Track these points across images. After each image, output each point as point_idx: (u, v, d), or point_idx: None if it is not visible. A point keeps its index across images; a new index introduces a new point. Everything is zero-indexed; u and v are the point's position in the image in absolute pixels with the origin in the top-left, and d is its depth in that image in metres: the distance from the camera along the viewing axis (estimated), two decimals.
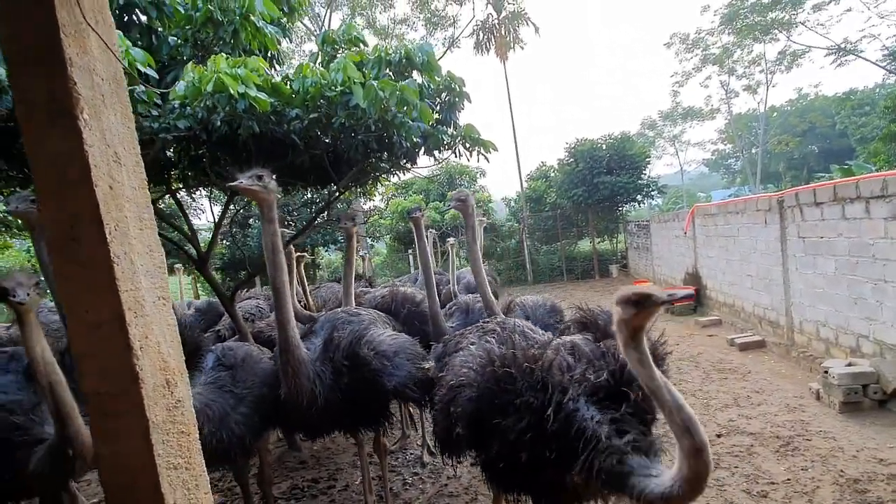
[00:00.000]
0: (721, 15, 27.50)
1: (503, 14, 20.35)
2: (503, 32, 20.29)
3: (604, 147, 17.40)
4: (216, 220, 4.91)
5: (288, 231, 5.72)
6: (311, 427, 3.16)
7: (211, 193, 5.95)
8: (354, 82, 3.14)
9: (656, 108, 48.31)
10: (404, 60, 3.76)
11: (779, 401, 5.26)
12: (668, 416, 1.56)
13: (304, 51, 20.02)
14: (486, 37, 20.44)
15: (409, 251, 16.71)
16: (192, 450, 1.45)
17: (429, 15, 20.60)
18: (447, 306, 4.57)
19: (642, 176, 17.23)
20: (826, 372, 4.92)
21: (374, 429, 3.39)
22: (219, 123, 3.07)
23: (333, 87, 3.19)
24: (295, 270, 4.87)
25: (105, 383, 1.31)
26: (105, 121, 1.32)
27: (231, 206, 5.01)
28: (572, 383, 1.96)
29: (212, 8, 3.22)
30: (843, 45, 24.20)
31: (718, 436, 4.62)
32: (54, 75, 1.25)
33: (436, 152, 4.50)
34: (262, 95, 2.85)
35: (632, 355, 1.62)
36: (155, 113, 2.99)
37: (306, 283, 5.45)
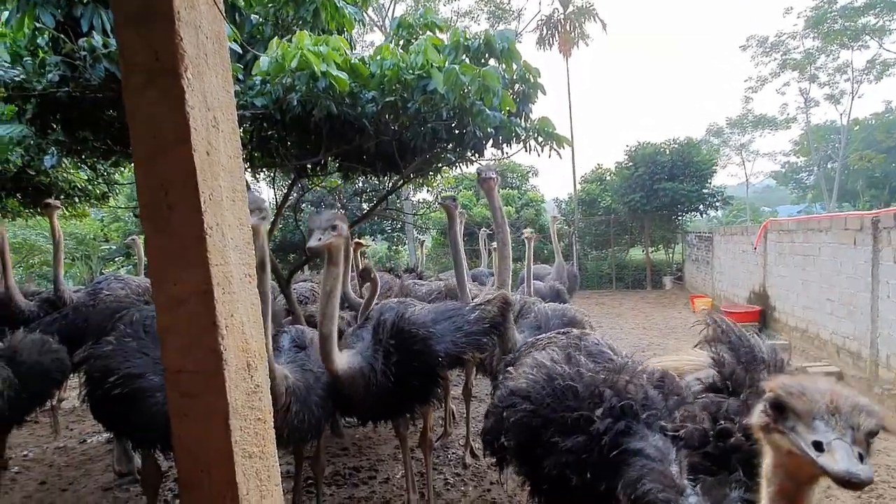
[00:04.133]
0: (806, 18, 25.52)
1: (570, 9, 19.74)
2: (568, 28, 19.67)
3: (667, 152, 16.55)
4: (276, 202, 4.98)
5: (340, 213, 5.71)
6: (365, 413, 3.13)
7: (274, 175, 6.03)
8: (434, 66, 3.02)
9: (724, 115, 45.56)
10: (483, 46, 3.60)
11: None
12: None
13: (365, 41, 20.25)
14: (550, 32, 19.90)
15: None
16: (266, 438, 1.37)
17: (493, 8, 20.31)
18: (518, 312, 4.27)
19: (707, 185, 16.27)
20: None
21: (425, 406, 3.33)
22: (294, 103, 3.03)
23: (412, 71, 3.08)
24: (351, 257, 4.85)
25: (188, 361, 1.24)
26: (207, 82, 1.24)
27: (293, 192, 5.05)
28: (642, 413, 1.70)
29: None
30: None
31: None
32: (161, 30, 1.17)
33: (504, 145, 4.32)
34: (343, 75, 2.77)
35: None
36: (235, 88, 2.99)
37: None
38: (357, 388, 2.75)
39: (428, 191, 19.69)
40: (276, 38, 2.87)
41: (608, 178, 19.17)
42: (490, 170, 3.35)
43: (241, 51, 2.84)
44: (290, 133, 4.00)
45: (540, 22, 20.01)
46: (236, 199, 1.33)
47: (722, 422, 1.56)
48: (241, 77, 2.99)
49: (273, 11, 3.46)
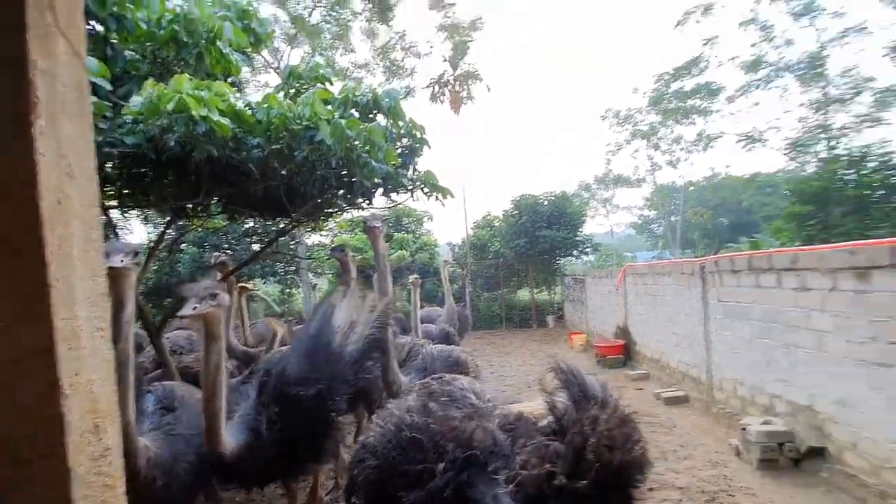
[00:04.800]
0: (648, 97, 30.81)
1: (458, 71, 21.51)
2: (457, 88, 21.36)
3: (545, 203, 18.38)
4: (149, 242, 4.55)
5: (226, 256, 5.39)
6: (251, 482, 2.89)
7: (146, 214, 5.53)
8: (321, 118, 3.13)
9: (592, 173, 52.31)
10: (371, 103, 3.83)
11: (702, 455, 5.51)
12: None
13: (259, 81, 19.83)
14: (440, 90, 21.41)
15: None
16: None
17: (388, 64, 21.36)
18: (407, 354, 4.29)
19: (578, 233, 18.27)
20: (744, 429, 5.25)
21: (318, 465, 3.15)
22: (172, 143, 2.91)
23: (299, 121, 3.16)
24: (235, 301, 4.58)
25: (22, 425, 1.12)
26: (62, 129, 1.21)
27: (169, 231, 4.68)
28: (491, 461, 1.70)
29: (177, 28, 3.14)
30: (751, 134, 27.77)
31: (650, 489, 4.72)
32: (13, 75, 1.14)
33: (393, 194, 4.53)
34: (225, 121, 2.75)
35: None
36: (102, 126, 2.79)
37: (246, 317, 5.13)
38: (244, 464, 2.54)
39: (322, 234, 19.29)
40: (152, 78, 2.77)
41: (496, 224, 20.57)
42: (376, 218, 3.45)
43: (110, 87, 2.68)
44: (166, 173, 3.77)
45: (432, 80, 21.46)
46: (90, 248, 1.26)
47: (548, 465, 1.64)
48: (108, 115, 2.81)
49: (151, 50, 3.34)
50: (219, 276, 4.64)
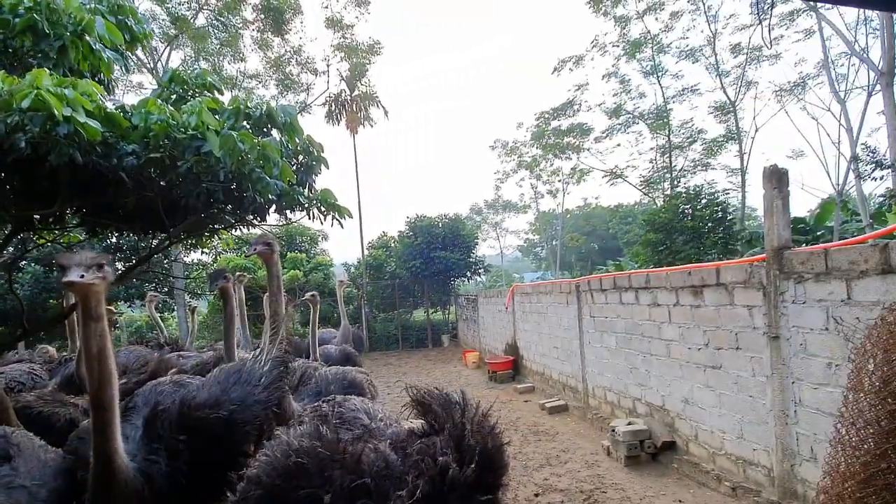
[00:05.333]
0: (531, 132, 33.78)
1: (356, 92, 21.52)
2: (354, 109, 21.32)
3: (440, 225, 18.99)
4: None
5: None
6: None
7: None
8: (209, 129, 2.96)
9: (482, 197, 55.46)
10: (265, 117, 3.71)
11: (580, 458, 6.05)
12: None
13: (131, 81, 17.80)
14: (338, 109, 21.18)
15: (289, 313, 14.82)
16: None
17: (282, 77, 20.61)
18: (299, 379, 4.07)
19: (472, 255, 19.13)
20: (613, 430, 5.90)
21: (224, 493, 2.82)
22: (22, 144, 2.52)
23: (184, 130, 2.95)
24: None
25: None
26: None
27: (7, 248, 3.95)
28: (381, 484, 1.69)
29: (38, 17, 2.77)
30: (614, 170, 31.76)
31: (536, 495, 5.06)
32: None
33: (288, 211, 4.39)
34: (93, 123, 2.47)
35: None
36: None
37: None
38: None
39: (204, 252, 17.59)
40: (2, 71, 2.40)
41: (392, 245, 20.68)
42: (266, 239, 3.27)
43: None
44: (11, 177, 3.23)
45: (329, 98, 21.15)
46: None
47: (440, 458, 1.74)
48: None
49: (2, 38, 2.88)
50: (72, 299, 4.03)
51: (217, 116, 3.60)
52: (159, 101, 3.17)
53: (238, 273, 6.55)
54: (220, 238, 5.51)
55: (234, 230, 4.65)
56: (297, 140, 4.09)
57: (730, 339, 4.62)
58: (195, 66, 19.18)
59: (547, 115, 30.59)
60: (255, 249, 3.18)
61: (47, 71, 2.47)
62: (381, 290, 19.42)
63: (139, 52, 16.63)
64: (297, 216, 4.27)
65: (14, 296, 4.89)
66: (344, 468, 1.72)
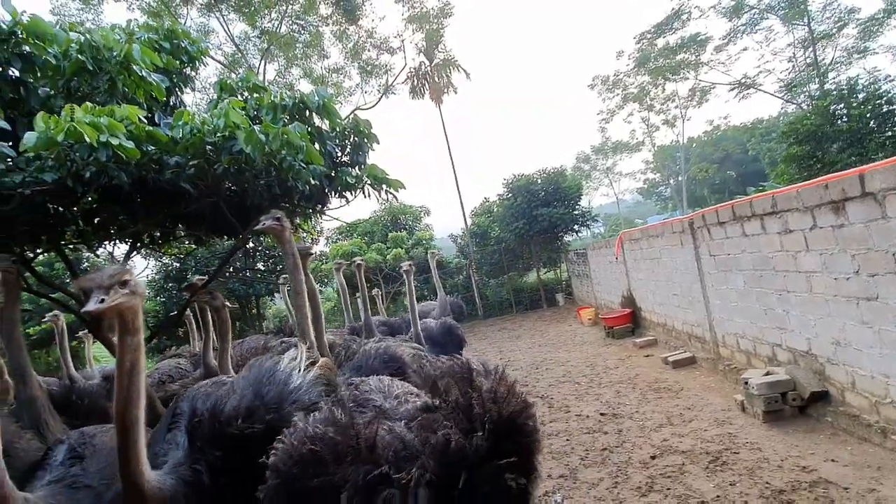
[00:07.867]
0: (634, 58, 30.11)
1: (435, 62, 21.26)
2: (436, 79, 21.13)
3: (539, 181, 18.11)
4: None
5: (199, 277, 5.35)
6: None
7: (114, 248, 5.54)
8: (238, 127, 3.05)
9: (588, 143, 51.53)
10: (300, 105, 3.73)
11: (708, 416, 5.34)
12: None
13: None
14: (420, 83, 21.19)
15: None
16: None
17: (362, 64, 21.20)
18: (345, 356, 3.95)
19: (577, 207, 17.97)
20: (746, 383, 5.07)
21: None
22: (88, 175, 2.86)
23: (215, 133, 3.08)
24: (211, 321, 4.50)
25: None
26: None
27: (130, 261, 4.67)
28: (401, 465, 1.60)
29: (83, 58, 3.08)
30: (743, 81, 26.95)
31: (653, 458, 4.59)
32: None
33: (347, 193, 4.44)
34: (129, 144, 2.68)
35: None
36: (3, 167, 2.74)
37: (229, 335, 5.06)
38: None
39: (325, 243, 19.33)
40: (44, 112, 2.72)
41: (495, 209, 20.38)
42: (270, 217, 3.09)
43: (9, 127, 2.63)
44: (110, 204, 3.72)
45: (410, 74, 21.24)
46: None
47: (440, 432, 1.64)
48: (9, 153, 2.74)
49: (63, 84, 3.29)
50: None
51: (259, 114, 3.73)
52: (190, 110, 3.35)
53: (354, 260, 6.89)
54: (303, 229, 5.85)
55: (305, 220, 4.87)
56: (338, 120, 4.07)
57: (886, 262, 3.56)
58: (287, 74, 20.70)
59: (650, 35, 26.98)
60: (263, 225, 3.04)
61: (88, 104, 2.73)
62: (488, 256, 19.34)
63: (240, 71, 18.43)
64: (353, 197, 4.28)
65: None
66: (358, 454, 1.67)
